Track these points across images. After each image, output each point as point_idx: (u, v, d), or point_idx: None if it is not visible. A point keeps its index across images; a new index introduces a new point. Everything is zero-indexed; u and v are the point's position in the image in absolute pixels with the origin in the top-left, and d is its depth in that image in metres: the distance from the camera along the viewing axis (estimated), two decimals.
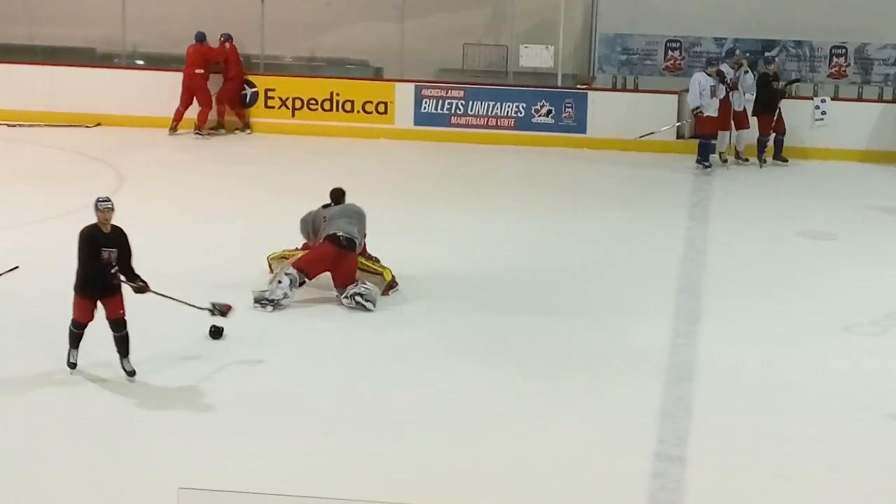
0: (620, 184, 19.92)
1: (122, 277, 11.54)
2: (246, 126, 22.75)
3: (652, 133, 21.20)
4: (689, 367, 12.32)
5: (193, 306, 12.36)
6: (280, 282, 13.64)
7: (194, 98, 22.27)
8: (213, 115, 22.41)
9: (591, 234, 16.91)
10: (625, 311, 13.91)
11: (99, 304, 11.67)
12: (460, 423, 10.94)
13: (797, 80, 21.91)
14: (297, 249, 14.37)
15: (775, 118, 21.02)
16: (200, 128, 22.25)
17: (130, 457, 10.08)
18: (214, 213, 17.24)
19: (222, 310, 12.42)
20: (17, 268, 14.32)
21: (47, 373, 11.78)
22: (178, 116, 22.24)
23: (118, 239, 11.59)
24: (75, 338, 11.78)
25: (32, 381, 11.59)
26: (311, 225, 14.24)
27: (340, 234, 13.82)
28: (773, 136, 21.16)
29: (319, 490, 8.32)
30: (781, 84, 21.16)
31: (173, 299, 12.10)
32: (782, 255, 16.18)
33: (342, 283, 13.82)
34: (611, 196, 19.07)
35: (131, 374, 11.63)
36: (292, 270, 13.71)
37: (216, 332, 12.58)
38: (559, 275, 15.15)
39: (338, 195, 14.31)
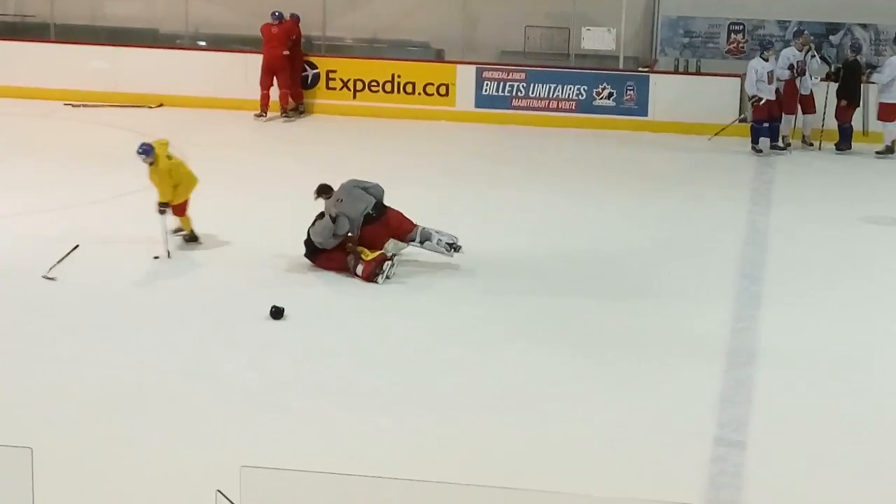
0: (682, 167, 19.84)
1: None
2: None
3: (720, 132, 21.14)
4: (750, 352, 12.25)
5: None
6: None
7: (273, 79, 22.25)
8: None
9: (653, 218, 16.86)
10: (686, 295, 13.85)
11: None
12: (519, 406, 10.94)
13: None
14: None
15: None
16: (287, 109, 22.29)
17: (193, 436, 10.16)
18: (276, 194, 17.28)
19: None
20: (77, 247, 14.43)
21: (107, 352, 11.88)
22: (266, 101, 22.18)
23: None
24: None
25: (93, 361, 11.67)
26: (328, 232, 14.14)
27: (367, 210, 14.14)
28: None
29: (379, 470, 8.32)
30: None
31: None
32: (845, 240, 16.07)
33: (405, 233, 14.24)
34: (672, 179, 18.99)
35: None
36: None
37: (277, 313, 12.63)
38: (620, 258, 15.12)
39: (325, 188, 14.34)
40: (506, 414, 10.76)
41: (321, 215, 14.21)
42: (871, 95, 21.00)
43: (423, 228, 14.32)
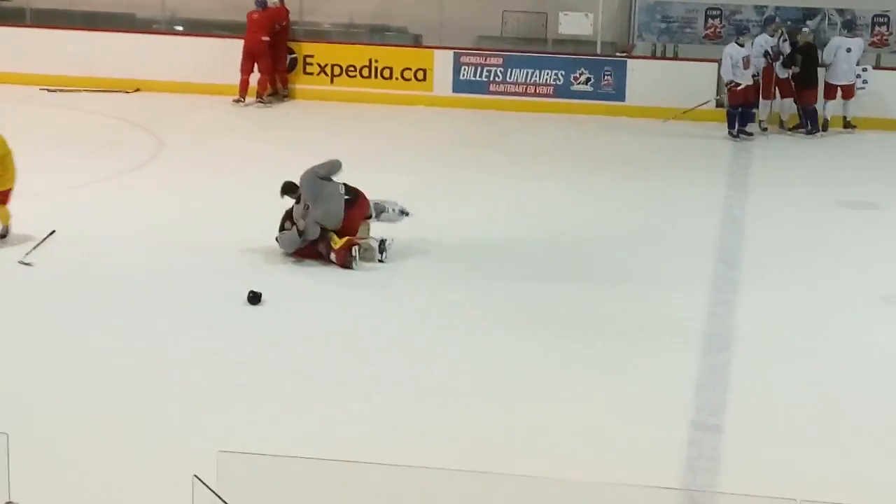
0: (659, 152, 19.86)
1: None
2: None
3: (676, 116, 21.18)
4: (727, 336, 12.28)
5: None
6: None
7: (255, 64, 22.21)
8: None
9: (630, 203, 16.88)
10: (662, 280, 13.87)
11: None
12: (496, 390, 10.94)
13: None
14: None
15: None
16: (262, 95, 22.25)
17: (170, 421, 10.13)
18: (254, 180, 17.19)
19: None
20: (53, 232, 14.40)
21: (83, 337, 11.83)
22: (245, 86, 22.15)
23: None
24: None
25: (69, 347, 11.60)
26: (297, 244, 13.95)
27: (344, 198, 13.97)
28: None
29: (356, 455, 8.35)
30: None
31: None
32: (822, 225, 16.11)
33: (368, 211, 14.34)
34: (649, 164, 19.01)
35: None
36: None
37: (254, 298, 12.61)
38: (597, 243, 15.13)
39: (290, 187, 14.20)
40: (483, 398, 10.76)
41: (289, 215, 14.07)
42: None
43: (375, 203, 14.50)
